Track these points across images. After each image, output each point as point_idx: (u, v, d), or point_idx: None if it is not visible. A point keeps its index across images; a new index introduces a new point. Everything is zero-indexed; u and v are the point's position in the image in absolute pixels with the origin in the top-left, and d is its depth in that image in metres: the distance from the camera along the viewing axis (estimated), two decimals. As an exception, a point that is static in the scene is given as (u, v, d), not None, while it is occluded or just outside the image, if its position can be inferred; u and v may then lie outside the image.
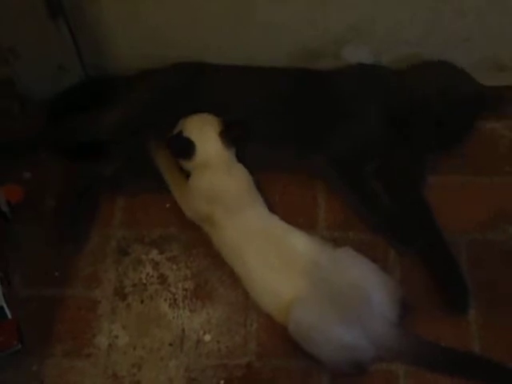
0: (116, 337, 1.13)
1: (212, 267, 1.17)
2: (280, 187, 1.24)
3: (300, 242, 1.10)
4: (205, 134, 1.16)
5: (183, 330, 1.13)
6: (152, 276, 1.18)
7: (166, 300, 1.16)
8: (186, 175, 1.19)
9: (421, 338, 1.07)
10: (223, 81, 1.26)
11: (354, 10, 1.19)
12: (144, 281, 1.18)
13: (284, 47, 1.26)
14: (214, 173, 1.15)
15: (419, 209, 1.20)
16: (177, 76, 1.27)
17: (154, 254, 1.20)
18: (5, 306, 1.07)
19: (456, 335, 1.10)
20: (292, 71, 1.28)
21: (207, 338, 1.12)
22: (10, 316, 1.08)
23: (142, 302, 1.16)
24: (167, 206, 1.23)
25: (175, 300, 1.16)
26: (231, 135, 1.16)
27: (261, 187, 1.18)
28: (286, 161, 1.24)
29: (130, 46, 1.28)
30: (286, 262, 1.08)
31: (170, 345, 1.12)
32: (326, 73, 1.28)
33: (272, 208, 1.17)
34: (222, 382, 1.08)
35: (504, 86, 1.29)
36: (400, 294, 1.07)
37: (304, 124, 1.22)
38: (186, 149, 1.15)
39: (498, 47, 1.25)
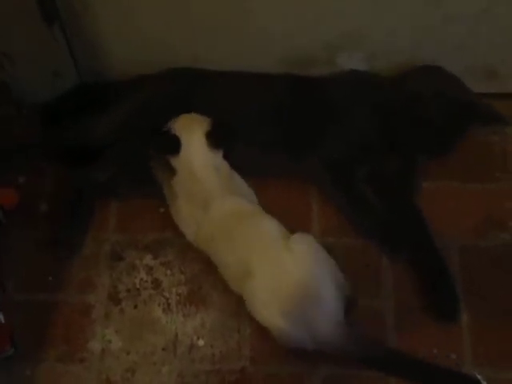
0: (109, 341, 1.13)
1: (206, 272, 1.17)
2: (274, 193, 1.24)
3: (266, 222, 1.11)
4: (191, 132, 1.16)
5: (176, 335, 1.13)
6: (146, 281, 1.18)
7: (159, 305, 1.16)
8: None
9: (365, 337, 1.06)
10: (217, 86, 1.27)
11: (348, 16, 1.19)
12: (138, 286, 1.18)
13: (278, 54, 1.27)
14: (195, 171, 1.15)
15: (410, 215, 1.20)
16: (171, 81, 1.28)
17: (148, 258, 1.20)
18: (-2, 310, 1.08)
19: (448, 341, 1.11)
20: (286, 77, 1.28)
21: (201, 342, 1.13)
22: (3, 321, 1.09)
23: (135, 306, 1.16)
24: (161, 210, 1.23)
25: (169, 305, 1.16)
26: (217, 136, 1.16)
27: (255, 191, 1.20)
28: (280, 166, 1.25)
29: (125, 51, 1.28)
30: (248, 241, 1.08)
31: (164, 350, 1.12)
32: (320, 79, 1.28)
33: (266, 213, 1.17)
34: (215, 387, 1.09)
35: (495, 94, 1.30)
36: (348, 291, 1.07)
37: (298, 129, 1.23)
38: (171, 145, 1.15)
39: (489, 55, 1.26)
